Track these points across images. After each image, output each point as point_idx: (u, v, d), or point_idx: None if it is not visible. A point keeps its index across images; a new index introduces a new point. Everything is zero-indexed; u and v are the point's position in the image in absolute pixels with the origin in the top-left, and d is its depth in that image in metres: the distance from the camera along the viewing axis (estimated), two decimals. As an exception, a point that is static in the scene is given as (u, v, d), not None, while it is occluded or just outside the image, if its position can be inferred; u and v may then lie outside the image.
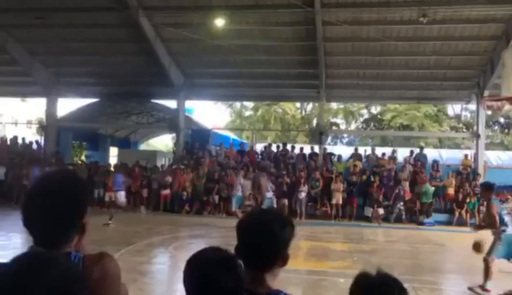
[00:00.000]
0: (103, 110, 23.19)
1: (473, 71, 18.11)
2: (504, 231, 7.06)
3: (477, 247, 7.12)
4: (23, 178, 17.57)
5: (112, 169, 18.16)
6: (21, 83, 22.20)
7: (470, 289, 7.01)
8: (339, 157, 19.78)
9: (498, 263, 7.21)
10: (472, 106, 22.97)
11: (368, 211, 17.00)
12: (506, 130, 33.94)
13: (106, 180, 18.16)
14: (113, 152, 27.65)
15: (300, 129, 35.24)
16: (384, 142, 31.63)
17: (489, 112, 19.54)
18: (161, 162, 23.57)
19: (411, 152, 19.92)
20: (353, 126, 36.75)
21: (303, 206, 17.07)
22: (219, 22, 16.01)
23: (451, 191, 17.40)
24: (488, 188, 7.81)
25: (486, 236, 7.26)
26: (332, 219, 16.91)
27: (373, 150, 20.50)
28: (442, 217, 17.26)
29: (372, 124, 35.67)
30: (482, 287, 6.91)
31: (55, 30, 17.78)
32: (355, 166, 18.39)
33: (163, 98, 22.41)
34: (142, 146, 31.71)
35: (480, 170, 18.25)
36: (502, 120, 33.10)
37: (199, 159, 19.19)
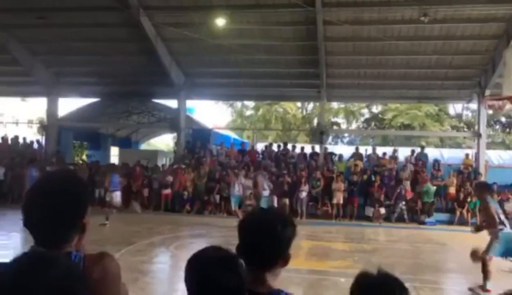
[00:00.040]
0: (104, 110, 23.20)
1: (474, 70, 18.09)
2: (501, 229, 7.06)
3: (475, 255, 7.12)
4: (23, 177, 17.54)
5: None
6: (22, 83, 22.20)
7: (471, 290, 7.00)
8: (340, 156, 19.77)
9: (498, 262, 7.21)
10: (473, 105, 22.96)
11: (369, 211, 16.99)
12: (507, 130, 33.91)
13: (104, 180, 18.24)
14: (114, 151, 27.67)
15: (301, 129, 35.23)
16: (385, 141, 31.61)
17: (490, 111, 19.50)
18: (162, 161, 23.58)
19: (412, 151, 19.90)
20: (354, 125, 36.74)
21: (304, 205, 17.06)
22: (220, 21, 16.01)
23: (452, 190, 17.39)
24: (483, 187, 7.80)
25: (486, 239, 7.26)
26: (333, 218, 16.89)
27: (374, 150, 20.49)
28: (443, 216, 17.25)
29: (373, 123, 35.65)
30: (483, 288, 6.90)
31: (56, 30, 17.79)
32: (356, 165, 18.38)
33: (164, 97, 22.42)
34: (143, 146, 31.74)
35: (481, 169, 18.24)
36: (503, 119, 33.07)
37: (200, 159, 19.19)
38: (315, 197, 17.61)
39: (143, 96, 21.86)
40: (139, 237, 11.66)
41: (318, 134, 20.05)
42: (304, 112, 37.94)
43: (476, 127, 19.94)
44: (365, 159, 19.61)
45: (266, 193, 13.35)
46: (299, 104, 37.11)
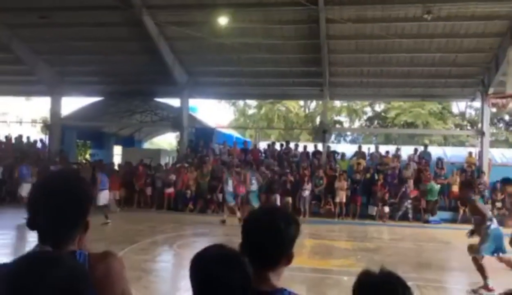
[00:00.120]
0: (107, 109, 23.24)
1: (478, 68, 18.03)
2: (489, 226, 7.05)
3: (472, 248, 7.12)
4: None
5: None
6: (26, 82, 22.29)
7: (474, 291, 6.99)
8: (343, 155, 19.76)
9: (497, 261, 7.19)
10: (477, 103, 22.91)
11: (372, 210, 16.97)
12: (511, 128, 33.80)
13: (110, 179, 18.27)
14: (117, 150, 27.73)
15: (303, 128, 35.21)
16: (388, 140, 31.56)
17: (494, 109, 19.48)
18: (165, 160, 23.61)
19: (415, 150, 19.86)
20: (356, 124, 36.68)
21: (306, 204, 17.06)
22: (223, 20, 16.01)
23: (455, 188, 17.31)
24: (467, 186, 7.79)
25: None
26: (336, 217, 16.88)
27: (377, 148, 20.47)
28: (447, 214, 17.22)
29: (376, 122, 35.60)
30: (486, 287, 6.88)
31: (59, 29, 17.82)
32: (358, 164, 18.37)
33: (167, 96, 22.44)
34: (146, 145, 31.78)
35: (485, 168, 18.19)
36: (507, 117, 32.98)
37: (203, 157, 19.20)
38: (318, 196, 17.60)
39: (145, 95, 21.89)
40: (142, 235, 11.68)
41: (321, 133, 20.02)
42: (307, 111, 37.89)
43: (480, 125, 19.88)
44: (368, 158, 19.58)
45: (253, 187, 13.37)
46: (301, 103, 37.06)
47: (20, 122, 31.13)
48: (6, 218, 13.87)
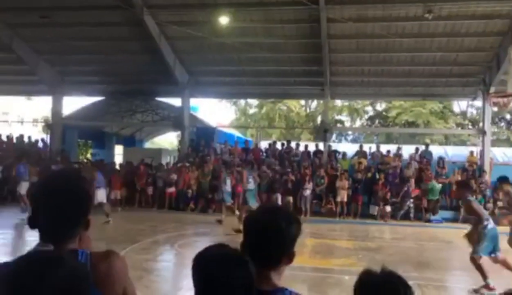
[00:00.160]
0: (108, 108, 23.27)
1: (479, 67, 18.01)
2: (486, 226, 7.05)
3: (469, 236, 7.18)
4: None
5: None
6: (27, 82, 22.31)
7: (476, 291, 6.99)
8: (344, 154, 19.76)
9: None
10: (478, 102, 22.86)
11: (374, 209, 16.95)
12: (512, 127, 33.77)
13: (112, 178, 18.30)
14: (119, 150, 27.76)
15: (304, 127, 35.21)
16: (389, 139, 31.58)
17: (495, 108, 19.44)
18: (166, 159, 23.64)
19: (417, 149, 19.86)
20: (358, 123, 36.68)
21: (308, 203, 17.06)
22: (223, 20, 16.01)
23: (457, 187, 17.33)
24: (463, 186, 7.78)
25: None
26: (337, 216, 16.88)
27: (378, 147, 20.46)
28: (448, 214, 17.20)
29: (377, 121, 35.60)
30: (487, 286, 6.89)
31: (60, 29, 17.84)
32: (360, 163, 18.36)
33: (168, 96, 22.45)
34: (147, 145, 31.81)
35: (486, 167, 18.17)
36: (508, 116, 32.95)
37: (204, 157, 19.21)
38: (319, 195, 17.60)
39: (147, 95, 21.91)
40: (143, 235, 11.70)
41: (322, 132, 20.02)
42: (308, 110, 37.90)
43: (481, 124, 19.87)
44: (369, 157, 19.58)
45: (250, 186, 13.31)
46: (302, 102, 37.07)
47: (22, 122, 31.24)
48: (8, 217, 13.90)
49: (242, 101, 37.58)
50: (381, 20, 16.02)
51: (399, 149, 19.86)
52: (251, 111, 38.56)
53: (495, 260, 7.16)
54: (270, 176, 17.82)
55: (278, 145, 20.79)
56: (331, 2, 15.23)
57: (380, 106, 35.79)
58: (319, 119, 31.69)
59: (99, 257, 1.65)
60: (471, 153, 19.40)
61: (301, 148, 20.28)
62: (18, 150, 20.67)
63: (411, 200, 16.92)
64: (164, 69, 18.92)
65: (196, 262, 1.53)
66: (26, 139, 22.72)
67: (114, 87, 21.44)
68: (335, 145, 22.37)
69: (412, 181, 17.37)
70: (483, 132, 18.86)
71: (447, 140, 32.11)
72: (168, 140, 39.41)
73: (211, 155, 19.46)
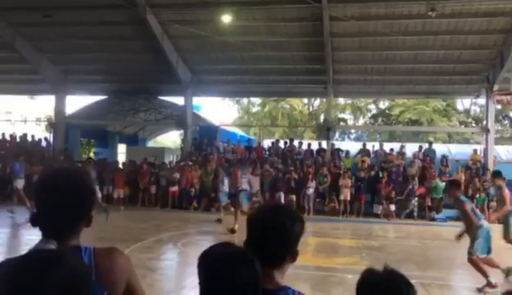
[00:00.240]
0: (111, 107, 23.30)
1: (483, 65, 17.95)
2: (481, 226, 7.03)
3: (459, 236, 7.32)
4: (31, 175, 17.61)
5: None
6: (30, 81, 22.38)
7: (479, 290, 6.97)
8: (347, 152, 19.74)
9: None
10: (482, 100, 22.80)
11: (377, 208, 16.92)
12: (516, 125, 33.66)
13: (115, 177, 18.35)
14: (122, 149, 27.80)
15: (307, 125, 35.16)
16: (392, 137, 31.52)
17: (499, 106, 19.41)
18: (169, 158, 23.66)
19: (420, 147, 19.82)
20: (361, 121, 36.61)
21: (311, 202, 17.05)
22: (226, 18, 16.00)
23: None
24: (454, 186, 7.74)
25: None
26: (340, 215, 16.87)
27: (381, 145, 20.42)
28: (452, 212, 17.10)
29: (380, 119, 35.53)
30: (489, 285, 6.87)
31: (63, 28, 17.87)
32: (363, 161, 18.33)
33: (171, 95, 22.47)
34: (150, 143, 31.85)
35: (490, 165, 18.11)
36: (511, 114, 32.81)
37: (207, 156, 19.22)
38: (322, 193, 17.58)
39: (149, 94, 21.93)
40: (146, 234, 11.71)
41: (325, 130, 20.00)
42: (311, 109, 37.86)
43: (484, 122, 19.80)
44: (372, 155, 19.55)
45: (244, 186, 13.20)
46: (305, 100, 37.04)
47: (25, 121, 31.28)
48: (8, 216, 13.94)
49: (245, 100, 37.57)
50: (384, 18, 15.98)
51: (402, 147, 19.84)
52: (254, 109, 38.56)
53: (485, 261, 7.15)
54: (273, 175, 17.83)
55: (281, 144, 20.78)
56: (333, 0, 15.20)
57: (383, 104, 35.72)
58: (322, 117, 31.68)
59: (103, 253, 1.67)
60: (475, 151, 19.35)
61: (304, 146, 20.27)
62: (17, 148, 20.79)
63: (416, 199, 16.89)
64: (167, 68, 18.94)
65: (202, 260, 1.52)
66: (29, 138, 22.79)
67: (117, 86, 21.48)
68: (338, 144, 22.35)
69: (417, 179, 17.34)
70: (486, 130, 18.81)
71: (450, 138, 32.03)
72: (171, 139, 39.46)
73: (214, 153, 19.47)
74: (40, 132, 27.19)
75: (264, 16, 16.71)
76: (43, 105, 33.66)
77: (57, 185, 1.65)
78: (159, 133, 32.90)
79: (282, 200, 16.69)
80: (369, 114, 36.87)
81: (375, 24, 16.28)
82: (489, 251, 7.07)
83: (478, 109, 33.37)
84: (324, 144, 20.05)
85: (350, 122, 36.40)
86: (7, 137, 22.66)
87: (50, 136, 23.43)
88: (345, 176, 17.15)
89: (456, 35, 16.61)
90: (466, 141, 30.28)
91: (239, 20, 16.24)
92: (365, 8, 15.72)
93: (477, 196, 16.51)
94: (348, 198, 16.99)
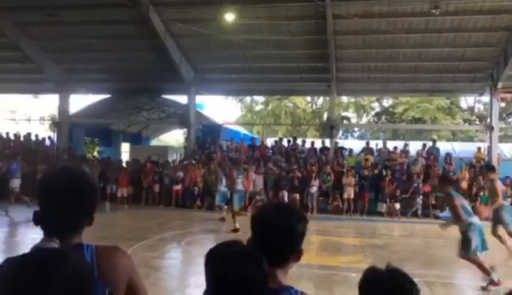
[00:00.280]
0: (114, 106, 23.35)
1: (486, 63, 17.88)
2: (472, 223, 6.99)
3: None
4: (35, 174, 17.66)
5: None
6: (34, 80, 22.44)
7: (483, 288, 6.96)
8: (350, 150, 19.72)
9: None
10: (486, 98, 22.70)
11: (381, 207, 16.89)
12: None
13: (118, 176, 18.39)
14: (125, 147, 27.86)
15: (310, 124, 35.12)
16: (396, 135, 31.41)
17: (503, 104, 19.34)
18: (173, 157, 23.69)
19: (424, 145, 19.77)
20: (364, 120, 36.54)
21: (314, 200, 17.04)
22: (229, 17, 16.00)
23: (464, 184, 17.22)
24: (445, 181, 7.73)
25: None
26: (344, 213, 16.85)
27: (384, 144, 20.38)
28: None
29: (383, 117, 35.43)
30: (492, 282, 6.85)
31: (66, 27, 17.91)
32: (366, 160, 18.30)
33: (174, 93, 22.50)
34: (154, 142, 31.90)
35: (494, 163, 18.03)
36: (515, 112, 32.67)
37: (210, 154, 19.23)
38: (326, 192, 17.57)
39: (153, 92, 21.97)
40: (150, 232, 11.74)
41: (328, 128, 19.97)
42: (314, 107, 37.81)
43: (488, 120, 19.73)
44: (375, 153, 19.51)
45: (238, 186, 13.15)
46: (308, 98, 37.00)
47: (29, 120, 31.38)
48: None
49: (248, 98, 37.55)
50: (387, 16, 15.93)
51: (406, 145, 19.78)
52: (257, 108, 38.53)
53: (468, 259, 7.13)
54: (276, 173, 17.83)
55: (284, 142, 20.77)
56: (337, -2, 15.19)
57: (387, 102, 35.62)
58: (325, 116, 31.62)
59: (105, 252, 1.68)
60: (479, 149, 19.27)
61: (307, 145, 20.26)
62: (21, 147, 20.85)
63: (421, 197, 16.85)
64: (170, 66, 18.95)
65: (209, 258, 1.51)
66: (33, 137, 22.87)
67: (121, 85, 21.51)
68: (341, 142, 22.32)
69: (422, 177, 17.30)
70: (490, 128, 18.74)
71: (454, 136, 31.91)
72: (174, 137, 39.47)
73: (217, 152, 19.48)
74: (44, 132, 27.30)
75: (267, 14, 16.69)
76: (47, 104, 33.70)
77: (60, 184, 1.66)
78: (163, 132, 32.96)
79: (286, 199, 16.70)
80: (372, 113, 36.78)
81: (378, 22, 16.23)
82: (486, 248, 7.04)
83: (482, 107, 33.24)
84: (327, 142, 20.02)
85: (354, 120, 36.32)
86: (11, 136, 22.75)
87: (54, 135, 23.52)
88: (349, 174, 17.12)
89: (460, 33, 16.54)
90: (470, 139, 30.18)
91: (242, 19, 16.23)
92: (368, 6, 15.69)
93: (481, 194, 16.45)
94: (352, 196, 16.97)
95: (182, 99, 21.93)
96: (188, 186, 18.02)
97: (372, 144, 20.39)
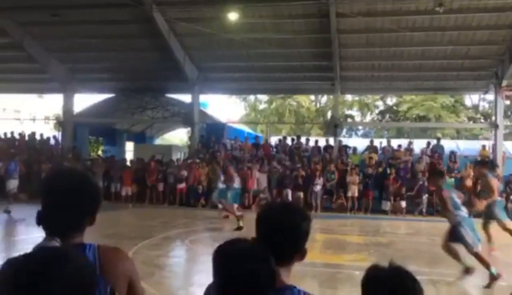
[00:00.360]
0: (118, 105, 23.40)
1: (491, 60, 17.80)
2: (462, 217, 7.02)
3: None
4: (39, 173, 17.71)
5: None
6: (38, 80, 22.53)
7: (487, 286, 6.94)
8: (354, 149, 19.70)
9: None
10: (490, 96, 22.65)
11: (386, 205, 16.86)
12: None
13: (123, 175, 18.44)
14: (129, 146, 27.92)
15: (314, 122, 35.11)
16: (400, 134, 31.34)
17: (508, 102, 19.24)
18: (177, 156, 23.73)
19: (428, 143, 19.71)
20: (368, 118, 36.49)
21: (318, 198, 17.04)
22: (232, 16, 16.01)
23: (468, 182, 17.13)
24: (436, 174, 7.76)
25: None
26: (348, 211, 16.84)
27: (388, 142, 20.34)
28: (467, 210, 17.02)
29: (387, 116, 35.37)
30: (492, 277, 6.84)
31: (70, 26, 17.96)
32: (370, 158, 18.27)
33: (178, 92, 22.53)
34: (158, 141, 31.94)
35: (499, 161, 17.97)
36: (520, 110, 32.51)
37: (214, 153, 19.26)
38: (330, 190, 17.55)
39: (156, 92, 22.00)
40: (154, 231, 11.76)
41: (332, 127, 19.96)
42: (318, 105, 37.78)
43: (493, 118, 19.67)
44: (380, 152, 19.48)
45: (235, 184, 13.13)
46: (312, 97, 36.96)
47: (33, 120, 31.51)
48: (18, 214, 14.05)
49: (251, 97, 37.55)
50: (391, 14, 15.89)
51: (410, 143, 19.74)
52: (261, 107, 38.52)
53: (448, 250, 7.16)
54: (280, 172, 17.83)
55: (288, 141, 20.77)
56: (340, -4, 15.16)
57: (391, 100, 35.55)
58: (329, 114, 31.56)
59: (107, 252, 1.69)
60: (483, 147, 19.22)
61: (311, 143, 20.24)
62: (26, 147, 20.92)
63: (426, 195, 16.80)
64: (173, 65, 18.98)
65: (216, 255, 1.51)
66: (38, 137, 22.95)
67: (124, 84, 21.56)
68: (345, 141, 22.30)
69: (426, 175, 17.24)
70: (495, 126, 18.68)
71: (458, 134, 31.81)
72: (178, 136, 39.50)
73: (221, 151, 19.50)
74: (48, 131, 27.38)
75: (270, 13, 16.68)
76: (51, 104, 33.82)
77: (61, 184, 1.68)
78: (167, 131, 33.01)
79: (290, 197, 16.71)
80: (376, 111, 36.72)
81: (382, 20, 16.19)
82: (478, 239, 7.08)
83: (486, 105, 33.12)
84: (331, 141, 20.01)
85: (358, 119, 36.29)
86: (16, 136, 22.84)
87: (58, 135, 23.61)
88: (353, 173, 17.10)
89: (464, 31, 16.47)
90: (475, 137, 30.07)
91: (245, 18, 16.23)
92: (372, 4, 15.64)
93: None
94: (356, 195, 16.95)
95: (186, 98, 21.97)
96: (192, 185, 18.05)
97: (376, 142, 20.36)
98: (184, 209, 16.93)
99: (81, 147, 22.48)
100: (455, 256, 7.23)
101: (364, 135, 33.97)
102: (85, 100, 24.69)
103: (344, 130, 27.95)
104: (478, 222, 8.03)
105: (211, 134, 21.27)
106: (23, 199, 14.07)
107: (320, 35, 17.28)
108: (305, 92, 29.33)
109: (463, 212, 7.18)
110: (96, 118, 23.37)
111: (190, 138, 22.53)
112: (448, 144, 21.32)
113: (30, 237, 8.73)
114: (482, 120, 31.23)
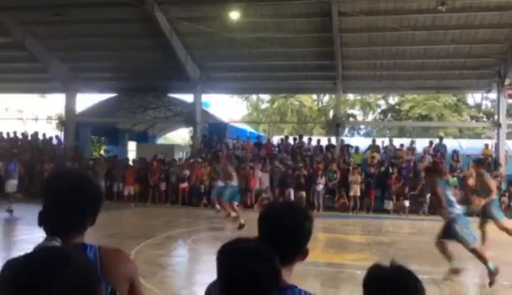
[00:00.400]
0: (120, 105, 23.42)
1: (494, 59, 17.76)
2: (457, 215, 7.01)
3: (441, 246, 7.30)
4: (41, 173, 17.73)
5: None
6: (40, 80, 22.56)
7: (490, 284, 6.93)
8: (357, 148, 19.68)
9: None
10: (493, 95, 22.56)
11: (388, 204, 16.83)
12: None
13: (125, 174, 18.46)
14: (132, 146, 27.95)
15: (316, 122, 35.08)
16: (402, 133, 31.28)
17: (510, 100, 19.18)
18: (179, 155, 23.73)
19: (430, 143, 19.69)
20: (370, 117, 36.42)
21: (320, 198, 17.04)
22: (234, 15, 16.01)
23: (471, 181, 17.05)
24: (432, 171, 7.75)
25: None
26: (350, 211, 16.83)
27: (391, 141, 20.32)
28: (463, 208, 16.99)
29: (389, 115, 35.31)
30: (491, 274, 6.83)
31: (72, 26, 17.99)
32: (372, 157, 18.26)
33: (180, 92, 22.55)
34: (160, 141, 31.95)
35: (501, 160, 17.95)
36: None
37: (217, 152, 19.25)
38: (332, 190, 17.54)
39: (159, 91, 22.02)
40: (157, 230, 11.77)
41: (334, 126, 19.95)
42: (320, 105, 37.73)
43: (496, 117, 19.62)
44: (382, 151, 19.46)
45: (234, 183, 13.11)
46: (314, 96, 36.92)
47: (36, 120, 31.59)
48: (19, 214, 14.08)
49: (254, 97, 37.52)
50: (393, 13, 15.87)
51: (412, 142, 19.72)
52: (263, 106, 38.49)
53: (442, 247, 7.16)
54: (282, 171, 17.83)
55: (290, 140, 20.76)
56: (342, -5, 15.15)
57: (393, 99, 35.48)
58: (331, 113, 31.52)
59: (108, 253, 1.69)
60: (486, 145, 19.18)
61: (314, 143, 20.23)
62: (29, 147, 20.95)
63: (429, 194, 16.74)
64: (175, 65, 18.99)
65: (220, 254, 1.51)
66: (40, 136, 23.00)
67: (126, 84, 21.60)
68: (347, 140, 22.26)
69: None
70: (498, 125, 18.64)
71: (461, 133, 31.73)
72: (180, 136, 39.52)
73: (223, 150, 19.50)
74: (51, 131, 27.43)
75: (272, 12, 16.67)
76: (53, 103, 33.87)
77: (62, 184, 1.69)
78: (169, 131, 33.01)
79: (292, 197, 16.70)
80: (378, 110, 36.66)
81: (384, 19, 16.18)
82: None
83: (489, 104, 33.01)
84: (333, 140, 19.99)
85: (360, 118, 36.23)
86: (19, 135, 22.89)
87: (61, 135, 23.64)
88: (355, 172, 17.09)
89: (467, 30, 16.44)
90: (477, 136, 29.99)
91: (247, 17, 16.22)
92: (374, 3, 15.63)
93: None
94: (358, 194, 16.95)
95: (188, 97, 21.98)
96: (195, 184, 18.07)
97: (378, 141, 20.34)
98: (187, 209, 16.95)
99: (83, 147, 22.52)
100: (446, 254, 7.23)
101: (366, 135, 33.90)
102: (87, 100, 24.74)
103: (346, 130, 27.87)
104: (474, 222, 7.99)
105: (213, 134, 21.28)
106: (20, 199, 14.08)
107: (322, 34, 17.27)
108: (307, 92, 29.29)
109: (458, 209, 7.17)
110: (98, 118, 23.40)
111: (192, 138, 22.54)
112: (451, 144, 21.29)
113: (31, 237, 8.75)
114: (484, 119, 31.17)
